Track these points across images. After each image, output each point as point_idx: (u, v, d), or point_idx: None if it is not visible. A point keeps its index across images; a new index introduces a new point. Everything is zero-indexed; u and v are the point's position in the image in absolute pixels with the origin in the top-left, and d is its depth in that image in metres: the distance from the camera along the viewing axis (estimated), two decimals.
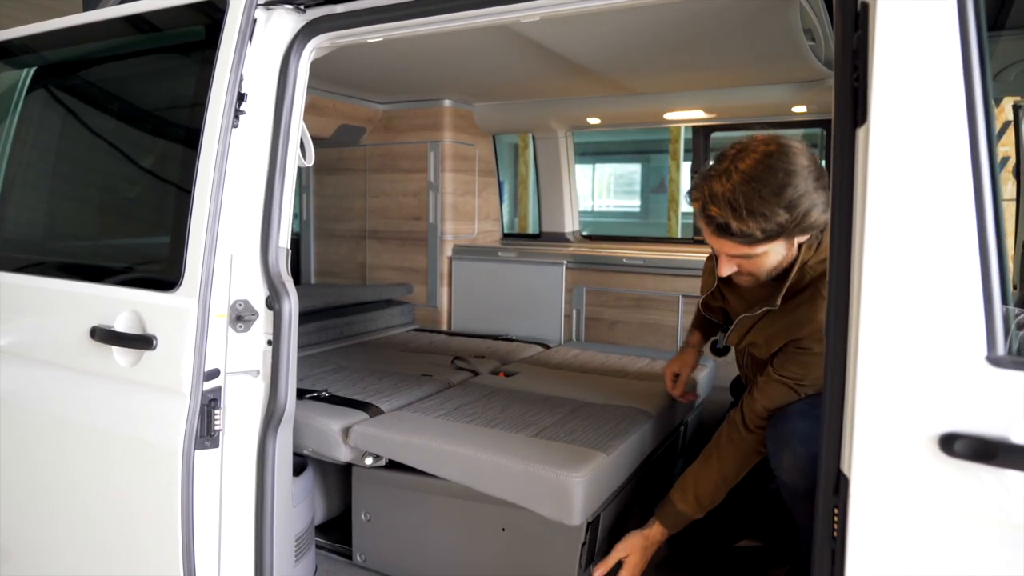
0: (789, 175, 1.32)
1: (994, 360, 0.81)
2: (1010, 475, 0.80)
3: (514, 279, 3.04)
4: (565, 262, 2.94)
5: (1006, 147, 4.04)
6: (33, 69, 1.84)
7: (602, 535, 1.69)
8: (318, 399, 1.96)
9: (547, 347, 2.77)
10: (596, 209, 10.79)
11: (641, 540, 1.59)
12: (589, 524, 1.60)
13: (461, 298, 3.18)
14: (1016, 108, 3.06)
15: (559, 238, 3.32)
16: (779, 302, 1.50)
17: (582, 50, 2.11)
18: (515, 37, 1.99)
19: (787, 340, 1.54)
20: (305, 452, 1.85)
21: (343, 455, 1.78)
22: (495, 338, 2.88)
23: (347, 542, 1.90)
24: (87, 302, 1.49)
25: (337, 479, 2.01)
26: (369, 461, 1.78)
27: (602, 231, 9.62)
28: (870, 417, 0.87)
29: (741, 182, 1.32)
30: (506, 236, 3.58)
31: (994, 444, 0.79)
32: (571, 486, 1.49)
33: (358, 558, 1.86)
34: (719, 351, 1.83)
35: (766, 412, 1.53)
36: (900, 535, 0.86)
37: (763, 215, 1.31)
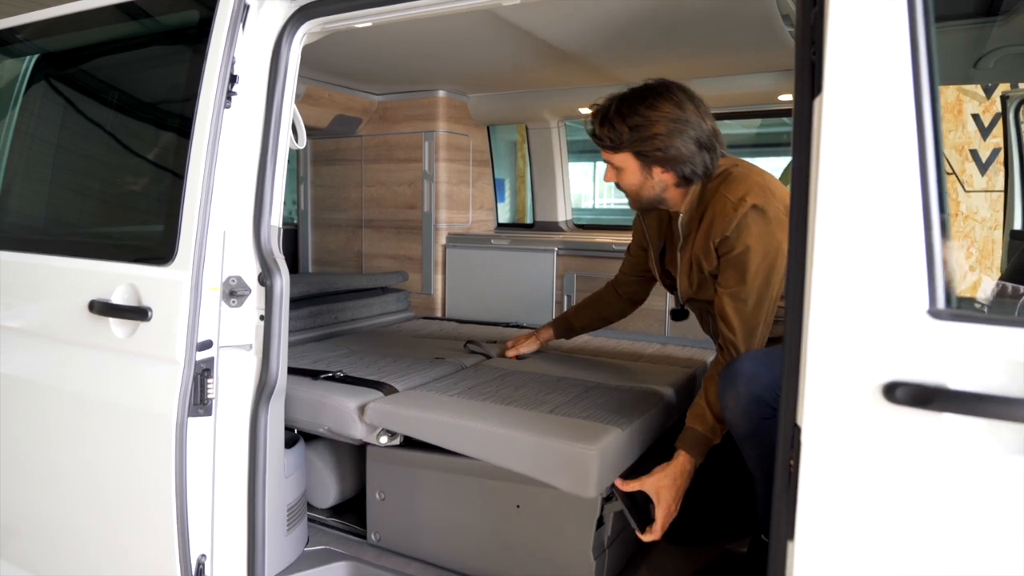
0: (649, 109, 1.62)
1: (935, 313, 0.86)
2: (945, 418, 0.85)
3: (507, 266, 3.10)
4: (556, 249, 2.99)
5: (996, 139, 4.09)
6: (35, 57, 1.90)
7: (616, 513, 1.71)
8: (333, 379, 1.98)
9: None
10: (597, 207, 10.82)
11: (668, 475, 1.55)
12: (604, 501, 1.62)
13: (455, 285, 3.24)
14: (1004, 99, 3.10)
15: (552, 227, 3.37)
16: (682, 211, 1.73)
17: (568, 37, 2.16)
18: (503, 24, 2.04)
19: (712, 249, 1.65)
20: (321, 431, 1.88)
21: (359, 432, 1.80)
22: (505, 325, 2.91)
23: (362, 523, 1.92)
24: (86, 277, 1.55)
25: (351, 459, 2.05)
26: (384, 440, 1.80)
27: None
28: (820, 369, 0.92)
29: (615, 103, 1.67)
30: (500, 226, 3.63)
31: (931, 390, 0.84)
32: (587, 459, 1.50)
33: (373, 537, 1.88)
34: (678, 313, 1.94)
35: (731, 333, 1.61)
36: (848, 480, 0.91)
37: (612, 127, 1.65)
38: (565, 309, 3.02)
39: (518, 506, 1.67)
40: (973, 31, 1.93)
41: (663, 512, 1.54)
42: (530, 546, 1.66)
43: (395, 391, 1.91)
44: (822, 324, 0.92)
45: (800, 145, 0.99)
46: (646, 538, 1.56)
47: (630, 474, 1.61)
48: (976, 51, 2.08)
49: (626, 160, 1.68)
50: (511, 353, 2.28)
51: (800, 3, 1.02)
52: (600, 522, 1.62)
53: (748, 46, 2.21)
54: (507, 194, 5.76)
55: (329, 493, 2.01)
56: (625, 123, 1.63)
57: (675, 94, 1.64)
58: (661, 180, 1.68)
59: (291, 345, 2.14)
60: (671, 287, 1.91)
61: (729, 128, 3.46)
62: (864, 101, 0.92)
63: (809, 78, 0.98)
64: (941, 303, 0.86)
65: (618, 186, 1.75)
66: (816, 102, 0.96)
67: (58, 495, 1.64)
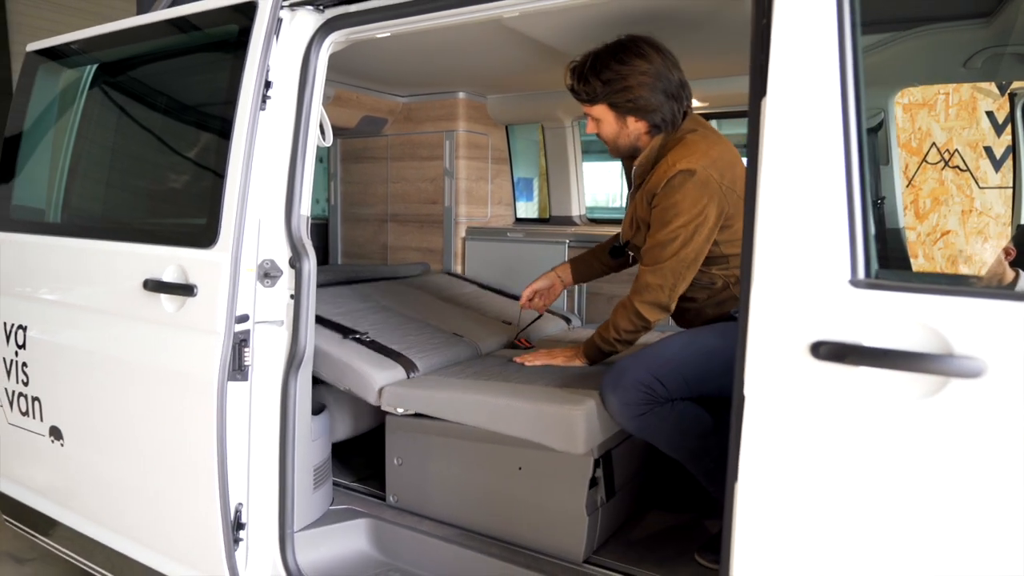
0: (619, 64, 1.80)
1: (855, 283, 1.01)
2: (861, 371, 0.99)
3: (522, 257, 3.26)
4: (568, 241, 3.14)
5: (1011, 136, 4.12)
6: (94, 66, 2.13)
7: (610, 472, 1.87)
8: (360, 342, 2.16)
9: (568, 321, 2.97)
10: (613, 205, 10.91)
11: (562, 355, 2.09)
12: (596, 462, 1.78)
13: (473, 275, 3.42)
14: (1012, 96, 3.16)
15: (567, 221, 3.53)
16: (637, 160, 1.91)
17: (569, 41, 2.29)
18: (511, 32, 2.21)
19: (647, 202, 1.85)
20: (343, 388, 2.07)
21: (374, 401, 2.01)
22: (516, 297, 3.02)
23: (382, 487, 2.11)
24: (141, 259, 1.76)
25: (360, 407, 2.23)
26: (400, 410, 1.98)
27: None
28: (760, 333, 1.07)
29: (590, 59, 1.84)
30: (518, 220, 3.80)
31: (847, 347, 0.99)
32: (573, 418, 1.68)
33: (391, 499, 2.06)
34: (616, 250, 2.20)
35: (647, 274, 1.83)
36: (780, 427, 1.06)
37: (587, 81, 1.84)
38: (576, 297, 3.18)
39: (520, 468, 1.85)
40: (963, 32, 2.04)
41: (542, 356, 2.11)
42: (530, 504, 1.83)
43: (415, 368, 2.10)
44: (763, 294, 1.08)
45: (752, 141, 1.15)
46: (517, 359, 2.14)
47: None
48: (965, 52, 2.18)
49: (602, 112, 1.87)
50: (538, 305, 2.33)
51: (753, 15, 1.17)
52: (593, 482, 1.79)
53: (743, 48, 2.34)
54: (535, 192, 5.91)
55: (340, 428, 2.19)
56: (599, 78, 1.81)
57: (643, 48, 1.81)
58: (635, 128, 1.87)
59: (322, 286, 2.31)
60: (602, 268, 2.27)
61: (731, 128, 3.58)
62: (799, 103, 1.07)
63: (759, 82, 1.14)
64: (861, 274, 1.01)
65: (599, 136, 1.94)
66: (762, 103, 1.12)
67: (116, 452, 1.86)
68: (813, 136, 1.05)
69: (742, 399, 1.10)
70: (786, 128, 1.08)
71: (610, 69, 1.80)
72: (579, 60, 1.88)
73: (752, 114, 1.15)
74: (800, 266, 1.05)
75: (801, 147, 1.06)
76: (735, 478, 1.11)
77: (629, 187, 2.09)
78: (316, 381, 1.94)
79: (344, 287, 2.74)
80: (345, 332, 2.20)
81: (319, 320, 2.16)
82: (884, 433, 0.99)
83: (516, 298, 3.02)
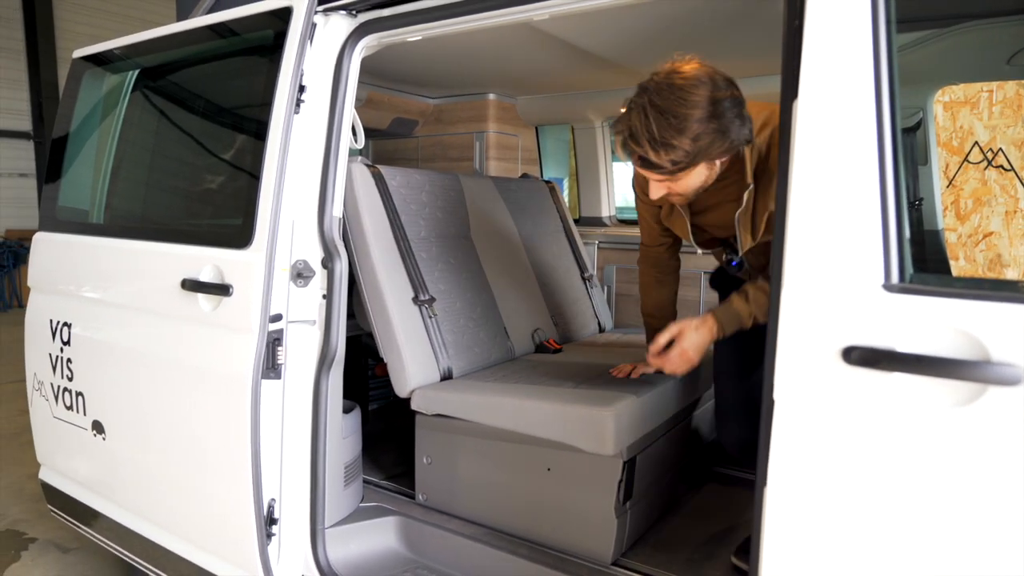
0: (688, 110, 1.43)
1: (888, 287, 0.99)
2: (895, 377, 0.98)
3: None
4: (598, 242, 3.14)
5: None
6: (137, 70, 2.19)
7: (639, 475, 1.87)
8: (422, 314, 2.15)
9: (603, 329, 2.97)
10: None
11: (694, 322, 1.68)
12: (625, 464, 1.78)
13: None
14: None
15: (596, 222, 3.52)
16: (750, 179, 1.62)
17: (600, 43, 2.30)
18: (540, 34, 2.21)
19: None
20: (381, 352, 2.10)
21: (403, 396, 2.05)
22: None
23: (411, 486, 2.13)
24: (179, 259, 1.81)
25: None
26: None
27: None
28: (790, 337, 1.06)
29: (655, 117, 1.44)
30: None
31: (881, 352, 0.97)
32: (603, 419, 1.69)
33: (420, 497, 2.09)
34: (738, 266, 1.91)
35: None
36: (810, 431, 1.05)
37: (672, 147, 1.45)
38: (606, 297, 3.17)
39: (549, 469, 1.85)
40: (1006, 28, 1.98)
41: (677, 348, 1.68)
42: (559, 506, 1.83)
43: (450, 375, 2.13)
44: (794, 298, 1.07)
45: (783, 143, 1.14)
46: (652, 362, 1.74)
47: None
48: (1009, 48, 2.12)
49: (698, 171, 1.54)
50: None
51: (785, 16, 1.16)
52: (622, 484, 1.78)
53: (773, 49, 2.31)
54: (565, 192, 5.90)
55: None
56: (685, 137, 1.44)
57: (681, 78, 1.48)
58: (721, 164, 1.59)
59: None
60: (709, 243, 1.91)
61: None
62: (832, 104, 1.06)
63: (790, 84, 1.13)
64: (895, 278, 1.00)
65: (673, 194, 1.61)
66: (794, 105, 1.11)
67: (154, 447, 1.91)
68: (846, 138, 1.04)
69: (771, 403, 1.09)
70: (818, 130, 1.06)
71: (688, 121, 1.44)
72: (634, 126, 1.48)
73: (784, 116, 1.14)
74: (832, 270, 1.04)
75: (834, 149, 1.05)
76: (764, 483, 1.10)
77: (656, 206, 1.88)
78: None
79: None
80: (417, 290, 2.18)
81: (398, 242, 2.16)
82: (916, 441, 0.98)
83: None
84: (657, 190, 1.60)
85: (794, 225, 1.07)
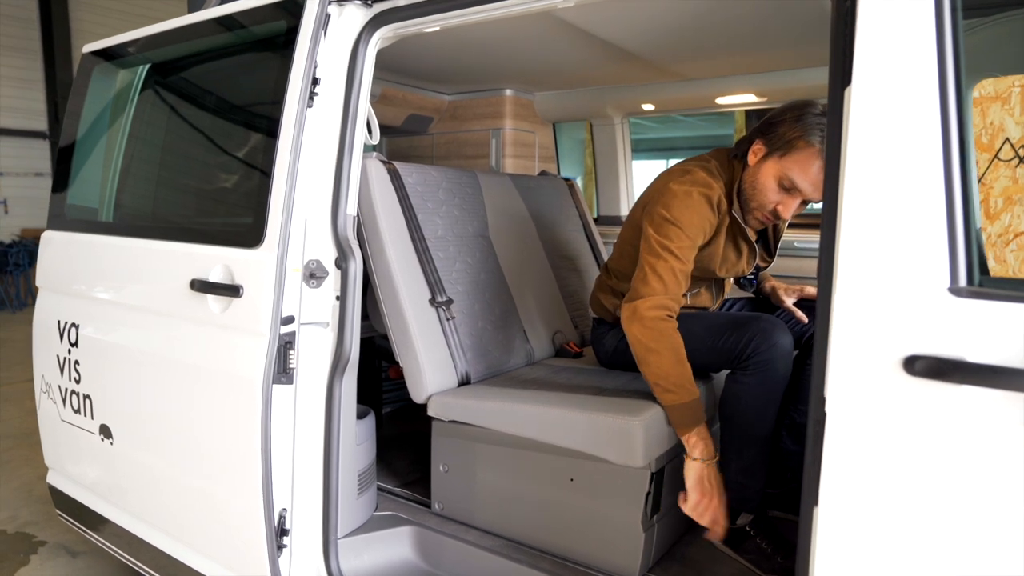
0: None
1: (955, 291, 0.90)
2: (964, 390, 0.89)
3: None
4: (615, 243, 3.04)
5: None
6: (147, 65, 2.13)
7: (667, 487, 1.77)
8: (439, 316, 2.07)
9: None
10: None
11: (694, 468, 1.64)
12: (653, 475, 1.69)
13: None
14: None
15: (615, 221, 3.43)
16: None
17: (626, 35, 2.22)
18: (563, 25, 2.13)
19: None
20: (396, 355, 2.02)
21: (420, 402, 1.97)
22: None
23: (427, 494, 2.05)
24: (188, 259, 1.75)
25: None
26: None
27: None
28: (845, 343, 0.97)
29: None
30: None
31: (949, 363, 0.88)
32: (632, 429, 1.60)
33: (436, 506, 2.01)
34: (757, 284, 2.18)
35: None
36: (869, 448, 0.96)
37: None
38: None
39: (572, 479, 1.77)
40: None
41: (686, 504, 1.67)
42: (582, 518, 1.75)
43: (468, 380, 2.05)
44: (847, 303, 0.98)
45: (832, 134, 1.05)
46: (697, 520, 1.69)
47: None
48: None
49: None
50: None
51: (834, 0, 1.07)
52: (649, 497, 1.69)
53: (805, 40, 2.22)
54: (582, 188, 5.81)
55: None
56: None
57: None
58: None
59: None
60: (731, 268, 2.03)
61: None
62: (890, 91, 0.97)
63: (840, 70, 1.04)
64: (962, 281, 0.91)
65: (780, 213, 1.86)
66: (846, 92, 1.02)
67: (162, 453, 1.85)
68: (906, 127, 0.95)
69: (823, 416, 1.00)
70: (875, 118, 0.97)
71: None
72: None
73: (833, 105, 1.05)
74: (891, 272, 0.95)
75: (892, 138, 0.96)
76: (815, 502, 1.01)
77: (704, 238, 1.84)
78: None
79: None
80: (434, 291, 2.09)
81: (415, 241, 2.10)
82: (989, 460, 0.89)
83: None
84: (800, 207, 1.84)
85: (847, 223, 0.99)
